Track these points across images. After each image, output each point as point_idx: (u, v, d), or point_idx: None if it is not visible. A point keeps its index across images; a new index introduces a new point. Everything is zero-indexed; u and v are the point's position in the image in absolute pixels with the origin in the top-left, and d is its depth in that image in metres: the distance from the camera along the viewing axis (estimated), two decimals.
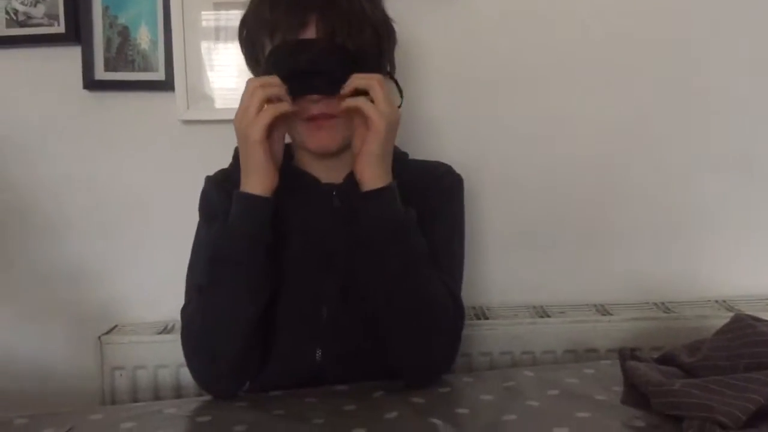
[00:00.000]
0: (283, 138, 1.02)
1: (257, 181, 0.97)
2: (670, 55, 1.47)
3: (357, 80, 0.97)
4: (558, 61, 1.46)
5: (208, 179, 1.13)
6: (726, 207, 1.50)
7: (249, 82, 0.98)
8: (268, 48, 1.02)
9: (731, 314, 1.07)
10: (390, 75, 1.09)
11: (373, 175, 0.97)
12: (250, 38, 1.06)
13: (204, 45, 1.42)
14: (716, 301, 1.46)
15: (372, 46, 1.02)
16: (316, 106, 1.00)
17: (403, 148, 1.13)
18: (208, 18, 1.42)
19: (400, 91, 1.09)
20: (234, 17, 1.40)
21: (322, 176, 1.08)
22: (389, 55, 1.08)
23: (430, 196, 1.06)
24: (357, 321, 1.02)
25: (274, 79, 0.97)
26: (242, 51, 1.09)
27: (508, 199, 1.45)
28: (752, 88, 1.48)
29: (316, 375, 1.02)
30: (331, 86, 0.98)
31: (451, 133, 1.44)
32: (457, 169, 1.13)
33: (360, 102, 0.96)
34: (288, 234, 1.02)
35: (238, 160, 1.00)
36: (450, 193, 1.11)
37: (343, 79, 0.97)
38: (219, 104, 1.42)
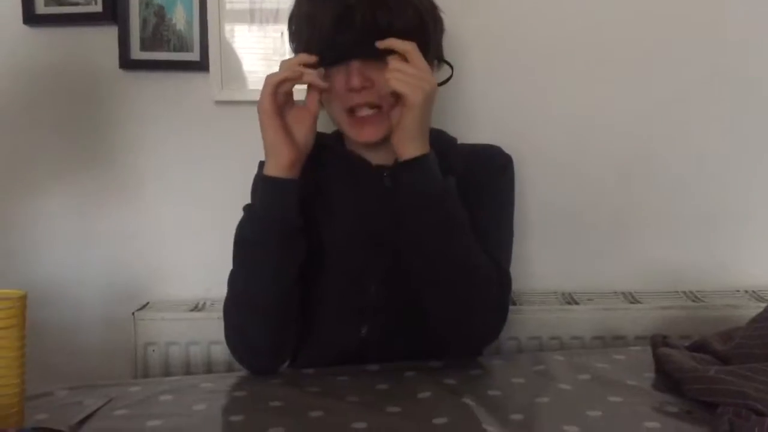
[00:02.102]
0: (313, 118, 1.02)
1: (274, 161, 0.99)
2: (710, 40, 1.45)
3: (393, 42, 0.96)
4: (595, 43, 1.45)
5: (262, 163, 1.13)
6: (758, 197, 1.49)
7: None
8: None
9: (761, 305, 1.07)
10: (440, 59, 1.10)
11: (410, 147, 0.98)
12: (297, 32, 1.08)
13: (239, 27, 1.43)
14: (746, 291, 1.45)
15: (416, 29, 1.02)
16: (359, 95, 1.01)
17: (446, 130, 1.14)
18: (243, 0, 1.43)
19: (452, 68, 1.10)
20: (268, 0, 1.42)
21: (373, 159, 1.09)
22: (436, 42, 1.08)
23: (481, 176, 1.08)
24: (403, 300, 1.03)
25: (288, 61, 0.99)
26: (290, 45, 1.11)
27: (538, 184, 1.44)
28: None
29: (360, 352, 1.04)
30: (371, 52, 0.98)
31: (485, 117, 1.44)
32: None
33: (392, 74, 0.95)
34: (339, 214, 1.05)
35: None
36: (500, 171, 1.12)
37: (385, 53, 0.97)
38: (252, 85, 1.43)
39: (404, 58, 0.96)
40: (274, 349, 1.04)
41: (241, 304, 1.01)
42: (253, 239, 1.00)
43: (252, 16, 1.43)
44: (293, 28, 1.09)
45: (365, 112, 1.03)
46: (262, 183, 1.00)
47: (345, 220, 1.06)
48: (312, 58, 0.99)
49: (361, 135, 1.04)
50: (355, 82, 0.99)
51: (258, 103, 0.99)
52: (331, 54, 0.99)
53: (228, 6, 1.41)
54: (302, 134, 1.01)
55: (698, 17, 1.44)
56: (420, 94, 0.95)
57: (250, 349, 1.03)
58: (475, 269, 0.99)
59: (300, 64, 0.99)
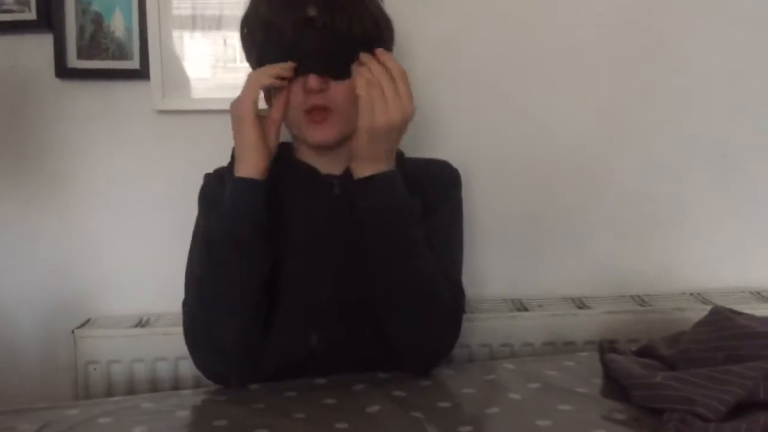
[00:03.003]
0: (278, 126, 1.03)
1: (250, 163, 0.98)
2: (651, 51, 1.47)
3: (386, 59, 0.97)
4: (543, 56, 1.46)
5: (208, 175, 1.14)
6: (701, 200, 1.51)
7: (249, 74, 1.01)
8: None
9: (707, 307, 1.08)
10: None
11: (363, 168, 0.98)
12: (250, 36, 1.07)
13: (179, 33, 1.39)
14: (692, 294, 1.48)
15: (374, 38, 1.02)
16: (316, 96, 1.01)
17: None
18: (184, 6, 1.40)
19: None
20: (210, 6, 1.40)
21: (322, 168, 1.09)
22: (389, 48, 1.09)
23: (429, 191, 1.07)
24: (355, 307, 1.02)
25: (273, 67, 0.99)
26: (242, 48, 1.10)
27: (486, 192, 1.44)
28: (729, 83, 1.49)
29: (311, 360, 1.02)
30: (337, 69, 0.99)
31: (433, 128, 1.43)
32: None
33: (363, 101, 0.95)
34: (288, 222, 1.03)
35: (233, 158, 1.02)
36: (448, 186, 1.13)
37: (347, 63, 0.99)
38: (195, 94, 1.40)
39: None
40: (244, 350, 1.01)
41: (212, 306, 0.99)
42: (227, 240, 0.98)
43: (194, 23, 1.40)
44: (246, 31, 1.08)
45: (318, 106, 1.02)
46: (236, 184, 0.99)
47: (294, 228, 1.04)
48: (289, 70, 0.99)
49: (316, 135, 1.04)
50: (313, 83, 0.99)
51: (239, 104, 0.99)
52: (299, 66, 1.00)
53: (169, 12, 1.38)
54: (271, 139, 1.01)
55: (641, 23, 1.47)
56: (394, 117, 0.95)
57: (219, 352, 1.00)
58: (430, 284, 0.99)
59: (277, 75, 0.99)
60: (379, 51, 0.98)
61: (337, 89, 1.01)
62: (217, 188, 1.08)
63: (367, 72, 0.96)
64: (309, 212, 1.06)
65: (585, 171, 1.49)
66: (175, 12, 1.39)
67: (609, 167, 1.49)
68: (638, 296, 1.47)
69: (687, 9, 1.47)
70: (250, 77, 1.01)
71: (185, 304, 1.04)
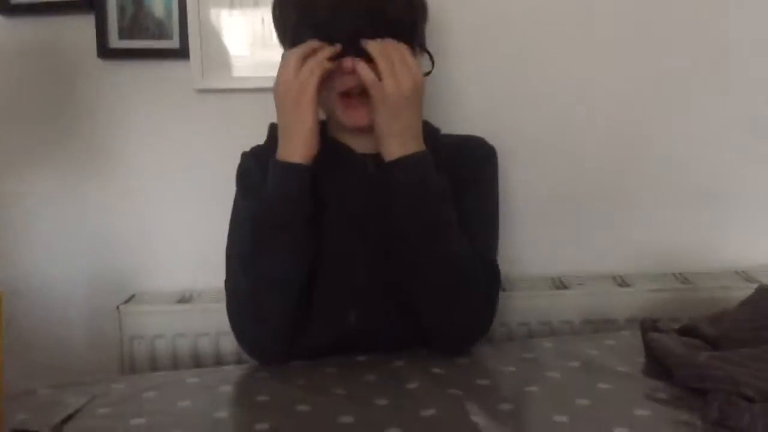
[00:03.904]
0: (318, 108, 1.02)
1: (300, 148, 0.98)
2: (694, 23, 1.44)
3: (386, 45, 0.97)
4: (580, 25, 1.43)
5: (246, 154, 1.14)
6: (747, 176, 1.48)
7: (292, 52, 0.99)
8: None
9: (751, 285, 1.06)
10: (422, 47, 1.09)
11: (389, 146, 0.98)
12: (283, 17, 1.07)
13: (218, 12, 1.40)
14: (736, 272, 1.45)
15: (406, 16, 1.02)
16: (351, 78, 1.00)
17: (430, 120, 1.13)
18: None
19: (432, 60, 1.09)
20: None
21: (357, 147, 1.09)
22: (421, 28, 1.08)
23: (464, 168, 1.07)
24: (392, 286, 1.02)
25: (316, 44, 0.98)
26: (275, 28, 1.10)
27: (523, 168, 1.42)
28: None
29: (350, 339, 1.03)
30: (365, 50, 0.98)
31: (473, 103, 1.42)
32: None
33: (363, 75, 0.96)
34: (324, 201, 1.03)
35: (274, 138, 1.02)
36: (482, 163, 1.12)
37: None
38: (235, 73, 1.41)
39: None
40: (289, 327, 1.02)
41: (259, 285, 0.99)
42: (273, 222, 0.98)
43: (232, 1, 1.40)
44: (279, 12, 1.08)
45: (356, 91, 1.02)
46: (283, 169, 0.98)
47: (330, 206, 1.04)
48: (333, 48, 0.98)
49: (352, 118, 1.04)
50: (348, 63, 0.99)
51: (300, 89, 0.97)
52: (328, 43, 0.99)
53: None
54: (317, 121, 1.01)
55: (679, 3, 1.43)
56: (386, 94, 0.96)
57: (265, 331, 1.01)
58: (463, 268, 0.99)
59: (329, 57, 0.98)
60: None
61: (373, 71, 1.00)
62: (255, 168, 1.09)
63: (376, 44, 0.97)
64: (344, 191, 1.06)
65: (624, 145, 1.47)
66: None
67: (649, 141, 1.47)
68: (681, 274, 1.45)
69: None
70: (297, 57, 0.98)
71: (228, 281, 1.05)
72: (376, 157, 1.05)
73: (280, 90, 0.99)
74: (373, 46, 0.97)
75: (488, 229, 1.09)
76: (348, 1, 0.99)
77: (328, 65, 0.98)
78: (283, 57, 1.02)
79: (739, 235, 1.49)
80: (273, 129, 1.09)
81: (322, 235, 1.02)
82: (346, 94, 1.03)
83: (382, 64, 0.96)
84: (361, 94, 1.01)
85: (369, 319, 1.04)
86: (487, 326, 1.04)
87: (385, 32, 0.99)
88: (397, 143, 0.98)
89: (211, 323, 1.32)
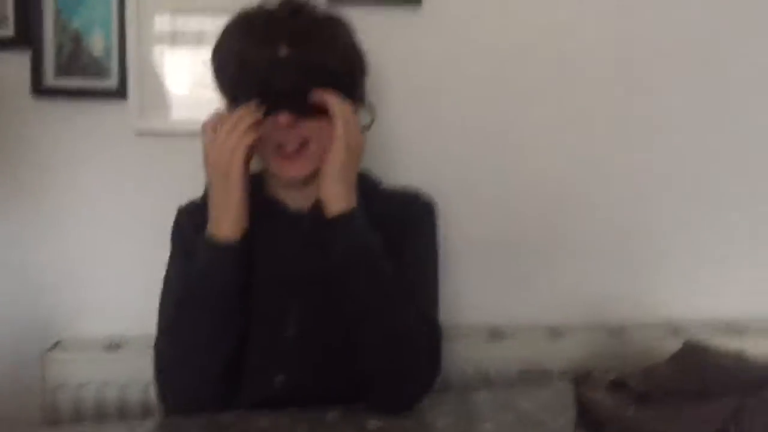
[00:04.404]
0: (249, 170, 1.01)
1: (231, 222, 0.97)
2: (628, 82, 1.50)
3: (328, 98, 0.98)
4: (516, 78, 1.47)
5: (181, 211, 1.12)
6: (677, 229, 1.53)
7: (223, 117, 0.99)
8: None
9: (681, 338, 1.09)
10: (362, 100, 1.09)
11: (335, 195, 0.98)
12: (221, 68, 1.06)
13: (160, 51, 1.39)
14: (667, 325, 1.49)
15: (344, 71, 1.03)
16: (286, 135, 1.00)
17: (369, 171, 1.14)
18: (163, 23, 1.38)
19: (373, 114, 1.10)
20: (191, 23, 1.39)
21: (290, 203, 1.09)
22: (361, 82, 1.09)
23: (403, 223, 1.07)
24: (321, 345, 1.01)
25: (247, 111, 0.97)
26: (214, 77, 1.08)
27: (460, 218, 1.44)
28: (704, 111, 1.52)
29: (278, 399, 1.00)
30: (302, 106, 0.98)
31: (411, 154, 1.44)
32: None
33: (338, 110, 0.97)
34: (255, 260, 1.02)
35: (206, 191, 1.01)
36: (421, 219, 1.12)
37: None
38: (175, 115, 1.39)
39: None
40: (212, 397, 1.00)
41: (181, 358, 0.99)
42: (199, 302, 0.98)
43: (173, 40, 1.39)
44: (218, 62, 1.07)
45: (292, 147, 1.01)
46: (212, 249, 0.97)
47: (261, 265, 1.03)
48: (258, 115, 0.98)
49: (288, 171, 1.03)
50: (283, 120, 0.98)
51: (223, 167, 0.96)
52: (266, 101, 0.98)
53: (149, 30, 1.37)
54: (247, 186, 1.00)
55: (606, 56, 1.49)
56: (343, 139, 0.97)
57: (186, 398, 1.00)
58: (404, 326, 0.98)
59: (252, 122, 0.97)
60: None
61: (307, 125, 1.00)
62: (187, 227, 1.08)
63: (332, 98, 0.98)
64: (276, 249, 1.05)
65: (560, 198, 1.50)
66: (157, 28, 1.38)
67: (585, 195, 1.51)
68: (614, 326, 1.48)
69: (665, 50, 1.50)
70: (226, 129, 0.97)
71: (156, 344, 1.02)
72: (311, 212, 1.05)
73: (209, 162, 0.98)
74: (328, 98, 0.98)
75: (428, 285, 1.09)
76: (287, 56, 0.98)
77: (254, 136, 0.97)
78: (207, 126, 1.00)
79: (669, 288, 1.53)
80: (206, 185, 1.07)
81: (254, 293, 1.01)
82: (281, 147, 1.01)
83: (339, 114, 0.97)
84: (296, 148, 1.01)
85: (297, 381, 1.02)
86: (430, 383, 1.02)
87: (325, 87, 0.99)
88: (344, 194, 0.98)
89: (140, 372, 1.27)
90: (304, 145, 1.00)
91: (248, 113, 0.97)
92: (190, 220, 1.07)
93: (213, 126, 0.99)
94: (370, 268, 0.97)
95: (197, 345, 0.98)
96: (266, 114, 0.98)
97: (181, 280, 1.02)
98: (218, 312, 0.98)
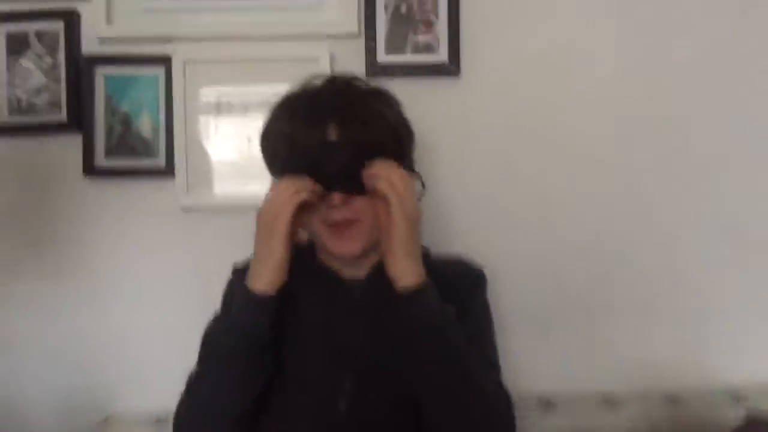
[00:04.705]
0: (296, 235, 1.02)
1: (267, 277, 0.98)
2: (670, 136, 1.47)
3: (369, 176, 0.98)
4: (562, 145, 1.46)
5: (236, 270, 1.12)
6: (734, 293, 1.48)
7: (280, 182, 1.00)
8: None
9: (741, 404, 1.04)
10: (411, 170, 1.10)
11: (403, 270, 0.97)
12: (271, 151, 1.08)
13: (204, 124, 1.43)
14: (726, 390, 1.41)
15: (393, 144, 1.04)
16: (338, 211, 1.01)
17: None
18: (209, 95, 1.43)
19: (423, 185, 1.11)
20: (235, 94, 1.43)
21: (344, 272, 1.08)
22: (409, 152, 1.10)
23: (457, 293, 1.05)
24: (375, 418, 1.00)
25: (304, 180, 0.98)
26: (264, 159, 1.10)
27: (511, 287, 1.42)
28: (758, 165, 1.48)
29: None
30: (354, 184, 0.99)
31: (454, 219, 1.44)
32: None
33: (382, 186, 0.97)
34: (307, 330, 1.02)
35: None
36: (475, 289, 1.11)
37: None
38: (220, 190, 1.43)
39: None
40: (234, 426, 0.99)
41: (196, 415, 0.99)
42: (223, 352, 0.98)
43: (219, 110, 1.43)
44: (267, 144, 1.09)
45: (340, 216, 1.01)
46: (247, 299, 0.98)
47: (315, 336, 1.03)
48: (313, 184, 0.99)
49: (342, 248, 1.03)
50: (337, 200, 1.00)
51: (274, 219, 0.97)
52: (318, 181, 0.99)
53: (194, 106, 1.42)
54: (291, 249, 1.00)
55: (655, 110, 1.47)
56: (404, 211, 0.96)
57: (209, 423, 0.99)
58: (485, 392, 0.97)
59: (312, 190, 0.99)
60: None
61: (360, 202, 1.01)
62: (237, 284, 1.07)
63: (383, 172, 0.98)
64: (329, 321, 1.05)
65: (611, 261, 1.47)
66: (202, 100, 1.42)
67: (634, 258, 1.47)
68: (671, 393, 1.41)
69: (706, 92, 1.47)
70: (279, 188, 0.99)
71: (181, 396, 1.03)
72: (366, 282, 1.05)
73: (258, 215, 1.00)
74: (379, 178, 0.98)
75: (491, 353, 1.08)
76: (337, 137, 1.00)
77: (302, 197, 0.98)
78: (272, 184, 1.03)
79: (726, 351, 1.47)
80: None
81: (303, 366, 1.01)
82: (334, 224, 1.02)
83: (392, 191, 0.97)
84: (348, 225, 1.02)
85: None
86: None
87: (371, 160, 1.00)
88: (412, 268, 0.97)
89: None
90: (353, 220, 1.01)
91: (305, 182, 0.99)
92: (239, 280, 1.07)
93: (272, 188, 1.01)
94: (450, 340, 0.96)
95: (216, 395, 0.97)
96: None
97: (211, 331, 1.03)
98: (240, 362, 0.97)
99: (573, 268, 1.46)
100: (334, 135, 1.00)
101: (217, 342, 0.99)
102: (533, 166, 1.46)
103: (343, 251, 1.03)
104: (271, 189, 1.01)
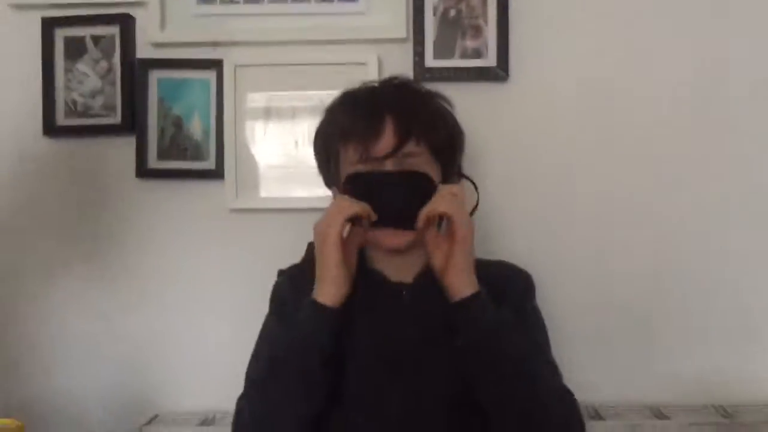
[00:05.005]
0: (357, 251, 1.03)
1: (330, 290, 0.97)
2: (724, 146, 1.43)
3: (437, 205, 0.97)
4: (613, 150, 1.43)
5: (282, 273, 1.14)
6: None
7: (337, 197, 1.02)
8: (342, 155, 1.05)
9: None
10: (464, 175, 1.12)
11: (463, 285, 0.97)
12: (325, 146, 1.09)
13: (252, 128, 1.44)
14: None
15: (446, 146, 1.05)
16: (392, 238, 1.02)
17: None
18: (257, 100, 1.44)
19: (476, 189, 1.12)
20: (284, 99, 1.44)
21: (392, 275, 1.09)
22: (460, 156, 1.11)
23: (509, 298, 1.05)
24: (426, 425, 1.00)
25: (362, 204, 0.98)
26: (315, 158, 1.13)
27: (556, 291, 1.38)
28: None
29: None
30: (407, 222, 0.99)
31: (503, 226, 1.42)
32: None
33: (444, 207, 0.97)
34: (355, 334, 1.02)
35: (311, 255, 1.02)
36: (524, 293, 1.11)
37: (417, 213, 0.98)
38: (268, 193, 1.44)
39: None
40: None
41: (262, 420, 0.98)
42: (294, 363, 0.97)
43: (268, 115, 1.44)
44: (321, 142, 1.11)
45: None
46: (314, 309, 0.97)
47: (363, 339, 1.03)
48: (369, 211, 0.99)
49: (390, 240, 1.04)
50: (391, 242, 1.02)
51: (323, 232, 0.97)
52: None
53: (244, 109, 1.43)
54: (352, 265, 1.01)
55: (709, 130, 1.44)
56: (469, 231, 0.97)
57: None
58: (552, 392, 0.98)
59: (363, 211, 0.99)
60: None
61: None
62: (287, 290, 1.09)
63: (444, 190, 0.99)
64: (377, 324, 1.05)
65: (663, 275, 1.43)
66: (250, 105, 1.44)
67: (685, 267, 1.43)
68: (721, 406, 1.38)
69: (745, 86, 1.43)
70: (334, 202, 1.00)
71: (240, 399, 1.03)
72: (413, 286, 1.06)
73: (315, 226, 1.00)
74: (438, 203, 0.97)
75: (549, 356, 1.08)
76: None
77: (357, 209, 0.97)
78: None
79: None
80: (311, 247, 1.08)
81: (352, 372, 1.00)
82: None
83: (458, 204, 0.97)
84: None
85: None
86: None
87: (427, 190, 0.99)
88: (468, 279, 0.97)
89: None
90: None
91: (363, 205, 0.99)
92: (291, 283, 1.09)
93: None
94: (513, 342, 0.97)
95: (283, 403, 0.97)
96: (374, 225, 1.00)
97: (273, 337, 1.04)
98: (310, 373, 0.96)
99: (623, 276, 1.43)
100: (390, 133, 1.00)
101: (286, 352, 0.99)
102: (583, 172, 1.44)
103: (393, 243, 1.04)
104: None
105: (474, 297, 0.96)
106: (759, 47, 1.43)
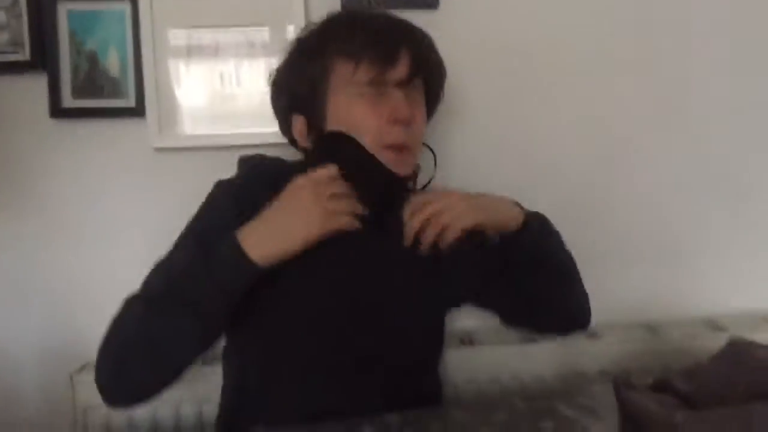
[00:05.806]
0: None
1: (271, 253, 0.95)
2: (664, 77, 1.48)
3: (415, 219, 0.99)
4: (533, 76, 1.45)
5: (221, 185, 1.08)
6: (711, 224, 1.50)
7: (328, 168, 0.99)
8: (339, 72, 1.03)
9: (720, 334, 1.05)
10: (426, 145, 1.13)
11: (513, 219, 1.07)
12: (311, 63, 1.05)
13: (175, 67, 1.38)
14: (704, 321, 1.44)
15: (438, 91, 1.14)
16: (398, 132, 1.02)
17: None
18: (178, 37, 1.38)
19: (435, 159, 1.15)
20: (206, 36, 1.38)
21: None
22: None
23: None
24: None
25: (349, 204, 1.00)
26: (278, 80, 1.11)
27: None
28: (744, 109, 1.49)
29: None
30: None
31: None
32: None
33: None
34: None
35: (248, 171, 1.06)
36: None
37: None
38: (192, 130, 1.38)
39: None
40: (149, 396, 0.99)
41: (144, 346, 0.95)
42: (192, 298, 0.94)
43: (189, 53, 1.38)
44: (289, 78, 1.09)
45: (404, 113, 1.02)
46: (239, 255, 0.94)
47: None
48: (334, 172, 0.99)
49: (396, 167, 1.03)
50: (405, 112, 1.01)
51: (309, 223, 0.96)
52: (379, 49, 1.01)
53: (164, 45, 1.36)
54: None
55: (657, 47, 1.46)
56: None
57: (125, 387, 0.99)
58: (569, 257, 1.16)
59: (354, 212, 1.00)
60: None
61: (416, 124, 1.04)
62: (225, 207, 1.04)
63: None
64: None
65: (590, 198, 1.47)
66: (171, 43, 1.37)
67: (617, 193, 1.48)
68: (650, 324, 1.44)
69: (705, 35, 1.47)
70: (333, 182, 0.99)
71: (130, 303, 1.00)
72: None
73: (296, 188, 0.97)
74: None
75: None
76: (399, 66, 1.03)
77: (356, 227, 0.99)
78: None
79: (706, 284, 1.49)
80: (243, 163, 1.09)
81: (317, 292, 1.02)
82: (390, 147, 1.02)
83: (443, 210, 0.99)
84: (401, 149, 1.03)
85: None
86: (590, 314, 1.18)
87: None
88: (512, 212, 1.08)
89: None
90: (407, 147, 1.03)
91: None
92: (230, 198, 1.05)
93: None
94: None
95: (174, 335, 0.94)
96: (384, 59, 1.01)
97: (186, 256, 1.00)
98: (207, 318, 0.95)
99: (559, 203, 1.44)
100: (407, 60, 1.02)
101: (188, 283, 0.96)
102: (508, 99, 1.45)
103: (396, 169, 1.03)
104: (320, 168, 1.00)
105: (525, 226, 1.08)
106: None
